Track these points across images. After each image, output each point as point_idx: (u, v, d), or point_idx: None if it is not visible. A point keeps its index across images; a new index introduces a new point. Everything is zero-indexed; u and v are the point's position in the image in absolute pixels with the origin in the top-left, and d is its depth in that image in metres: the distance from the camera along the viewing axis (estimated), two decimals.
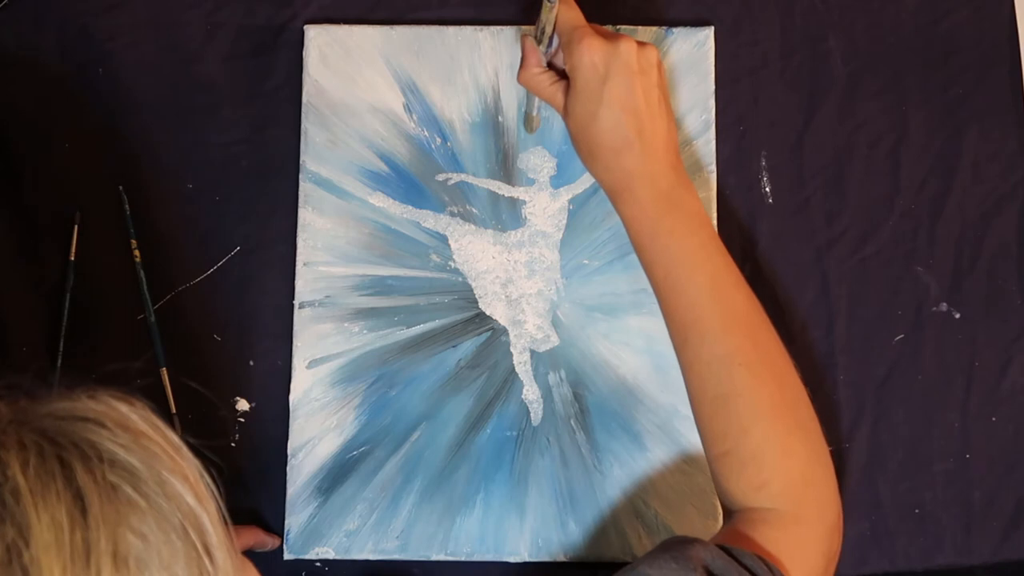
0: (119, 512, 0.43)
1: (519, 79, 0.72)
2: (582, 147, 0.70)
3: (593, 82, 0.67)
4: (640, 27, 0.80)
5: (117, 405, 0.46)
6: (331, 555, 0.75)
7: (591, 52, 0.67)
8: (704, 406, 0.68)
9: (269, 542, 0.75)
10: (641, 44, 0.68)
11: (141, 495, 0.43)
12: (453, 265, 0.79)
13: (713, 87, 0.80)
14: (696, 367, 0.67)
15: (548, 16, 0.68)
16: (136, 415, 0.46)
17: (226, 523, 0.47)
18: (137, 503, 0.43)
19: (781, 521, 0.65)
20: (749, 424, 0.66)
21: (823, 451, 0.68)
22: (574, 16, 0.69)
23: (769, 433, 0.66)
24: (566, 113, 0.70)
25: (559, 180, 0.79)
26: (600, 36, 0.68)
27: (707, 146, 0.79)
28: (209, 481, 0.47)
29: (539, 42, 0.71)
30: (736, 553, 0.61)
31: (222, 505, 0.48)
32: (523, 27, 0.79)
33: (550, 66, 0.72)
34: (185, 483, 0.45)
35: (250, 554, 0.75)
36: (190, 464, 0.47)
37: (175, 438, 0.47)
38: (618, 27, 0.80)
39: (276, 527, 0.76)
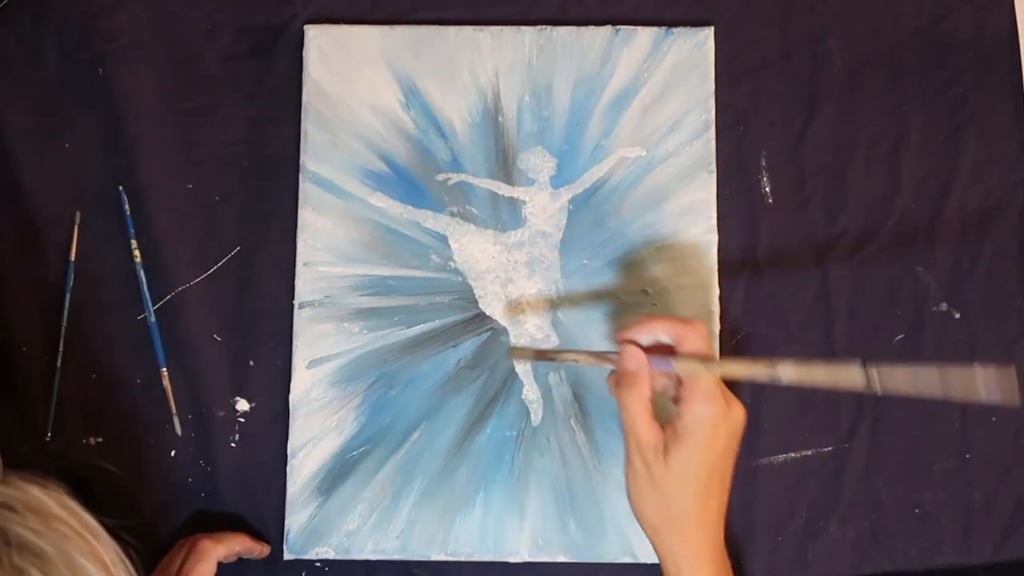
0: None
1: (620, 396, 0.64)
2: (659, 503, 0.63)
3: (713, 448, 0.62)
4: (640, 27, 0.80)
5: (29, 488, 0.46)
6: (331, 555, 0.75)
7: (718, 417, 0.62)
8: None
9: (257, 549, 0.74)
10: (741, 409, 0.64)
11: None
12: (453, 265, 0.79)
13: (713, 87, 0.80)
14: None
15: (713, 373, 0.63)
16: (49, 498, 0.46)
17: None
18: None
19: None
20: None
21: None
22: (710, 357, 0.63)
23: None
24: (652, 460, 0.62)
25: (559, 180, 0.79)
26: (722, 394, 0.63)
27: (707, 146, 0.79)
28: (128, 564, 0.48)
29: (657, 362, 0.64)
30: None
31: None
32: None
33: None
34: (98, 565, 0.46)
35: (243, 560, 0.75)
36: (107, 547, 0.47)
37: (91, 521, 0.47)
38: (618, 28, 0.80)
39: (276, 527, 0.76)
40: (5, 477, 0.46)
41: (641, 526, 0.65)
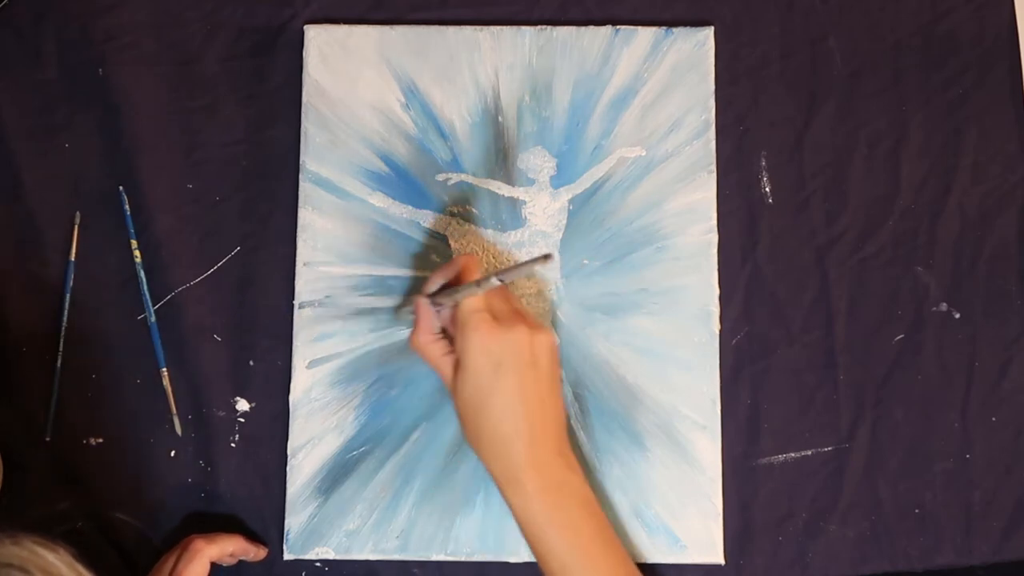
0: None
1: (411, 342, 0.71)
2: (469, 430, 0.68)
3: (485, 370, 0.66)
4: (640, 27, 0.80)
5: (41, 552, 0.46)
6: (331, 555, 0.75)
7: (485, 340, 0.66)
8: None
9: (252, 551, 0.74)
10: (534, 329, 0.68)
11: None
12: None
13: (713, 87, 0.80)
14: None
15: (467, 293, 0.67)
16: (60, 562, 0.47)
17: None
18: None
19: None
20: None
21: None
22: (477, 298, 0.68)
23: None
24: (454, 391, 0.69)
25: (559, 180, 0.79)
26: (495, 322, 0.67)
27: (707, 146, 0.79)
28: None
29: (436, 305, 0.70)
30: None
31: None
32: (432, 271, 0.73)
33: (443, 331, 0.71)
34: None
35: (243, 562, 0.75)
36: None
37: None
38: (618, 28, 0.80)
39: (276, 527, 0.76)
40: (17, 538, 0.46)
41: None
